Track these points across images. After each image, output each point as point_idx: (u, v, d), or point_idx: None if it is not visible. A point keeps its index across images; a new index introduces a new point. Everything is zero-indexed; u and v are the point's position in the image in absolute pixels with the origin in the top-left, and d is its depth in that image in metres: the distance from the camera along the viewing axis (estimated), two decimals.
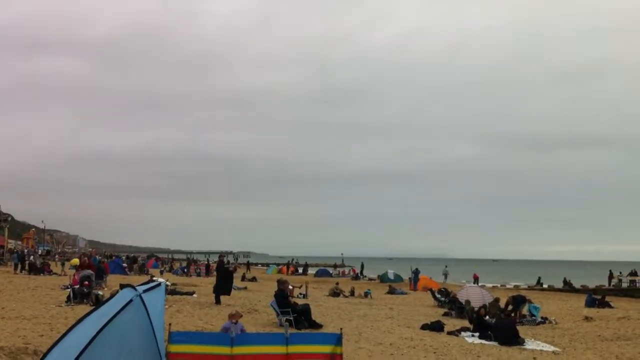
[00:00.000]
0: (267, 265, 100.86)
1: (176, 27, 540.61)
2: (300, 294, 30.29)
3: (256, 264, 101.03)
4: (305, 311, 18.63)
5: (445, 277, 59.80)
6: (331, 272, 77.65)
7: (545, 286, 58.46)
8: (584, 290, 48.69)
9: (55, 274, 40.98)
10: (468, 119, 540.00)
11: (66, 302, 21.02)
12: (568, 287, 54.95)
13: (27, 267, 42.79)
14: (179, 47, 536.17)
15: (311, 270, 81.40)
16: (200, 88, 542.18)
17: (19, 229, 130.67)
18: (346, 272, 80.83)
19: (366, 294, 35.72)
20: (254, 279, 49.13)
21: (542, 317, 23.91)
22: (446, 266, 64.83)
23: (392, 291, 40.75)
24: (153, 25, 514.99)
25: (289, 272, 75.41)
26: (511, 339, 17.50)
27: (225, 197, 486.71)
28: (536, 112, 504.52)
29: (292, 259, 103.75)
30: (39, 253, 75.66)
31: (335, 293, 35.27)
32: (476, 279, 57.84)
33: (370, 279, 64.15)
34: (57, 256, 79.87)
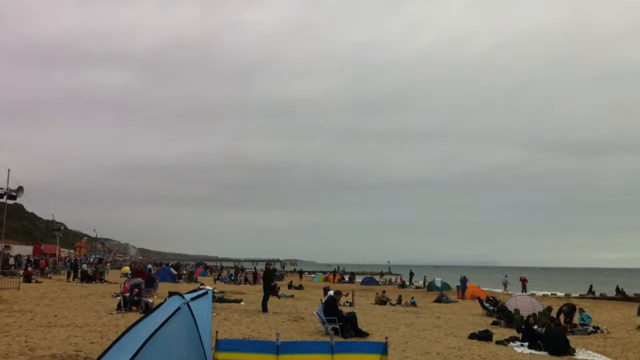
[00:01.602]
0: (314, 273, 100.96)
1: (218, 37, 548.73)
2: (347, 302, 30.26)
3: (303, 272, 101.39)
4: (351, 319, 18.57)
5: (505, 287, 58.16)
6: (378, 280, 77.13)
7: (597, 294, 57.02)
8: (637, 298, 47.41)
9: (106, 281, 41.79)
10: (512, 124, 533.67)
11: (117, 309, 21.44)
12: (621, 296, 53.54)
13: (79, 275, 43.76)
14: (221, 57, 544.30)
15: (358, 279, 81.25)
16: (244, 96, 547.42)
17: (71, 237, 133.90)
18: (393, 280, 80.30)
19: (412, 303, 35.44)
20: (300, 287, 49.25)
21: (593, 327, 23.38)
22: (506, 276, 62.68)
23: (440, 299, 40.33)
24: (195, 36, 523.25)
25: (335, 280, 75.40)
26: (561, 348, 17.14)
27: (272, 204, 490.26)
28: (582, 115, 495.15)
29: (338, 267, 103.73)
30: (91, 261, 77.27)
31: (382, 301, 35.11)
32: (524, 284, 56.67)
33: (417, 287, 63.60)
34: (108, 264, 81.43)
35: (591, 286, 61.08)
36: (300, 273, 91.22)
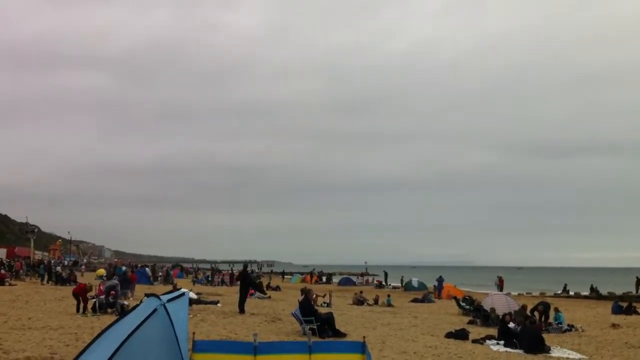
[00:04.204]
0: (291, 274, 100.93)
1: (194, 39, 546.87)
2: (324, 302, 30.26)
3: (284, 273, 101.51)
4: (328, 320, 18.58)
5: (497, 287, 57.93)
6: (355, 280, 77.27)
7: (571, 293, 57.65)
8: (610, 297, 48.00)
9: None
10: (486, 126, 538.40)
11: (92, 312, 21.24)
12: (595, 294, 54.22)
13: (53, 278, 43.24)
14: (197, 58, 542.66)
15: (335, 279, 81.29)
16: (219, 98, 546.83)
17: (45, 240, 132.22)
18: (370, 281, 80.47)
19: (388, 302, 35.50)
20: (277, 288, 49.12)
21: (568, 325, 23.63)
22: (497, 276, 62.69)
23: (423, 299, 40.58)
24: (171, 38, 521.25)
25: (313, 281, 75.41)
26: (537, 346, 17.31)
27: (249, 206, 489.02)
28: (554, 118, 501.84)
29: (314, 269, 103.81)
30: (66, 264, 76.41)
31: (359, 301, 35.15)
32: (502, 284, 57.03)
33: (394, 287, 63.82)
34: (83, 267, 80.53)
35: (565, 285, 61.81)
36: (282, 274, 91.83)
